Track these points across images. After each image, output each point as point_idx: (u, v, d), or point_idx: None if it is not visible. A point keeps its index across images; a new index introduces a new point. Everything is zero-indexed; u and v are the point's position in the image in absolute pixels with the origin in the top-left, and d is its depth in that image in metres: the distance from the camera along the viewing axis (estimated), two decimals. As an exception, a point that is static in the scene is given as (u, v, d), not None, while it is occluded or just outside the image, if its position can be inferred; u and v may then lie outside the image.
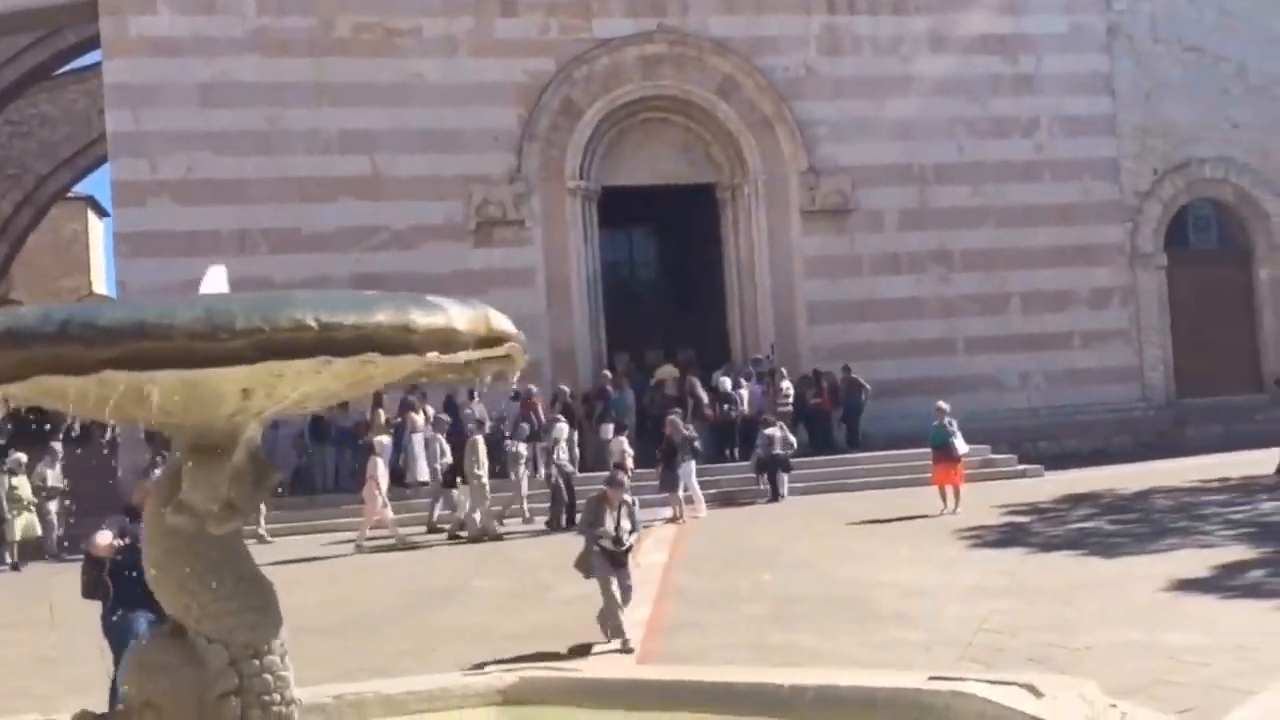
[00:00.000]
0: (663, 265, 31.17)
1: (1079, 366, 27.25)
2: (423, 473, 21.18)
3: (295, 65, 24.31)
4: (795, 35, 26.48)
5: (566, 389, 22.92)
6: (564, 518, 19.21)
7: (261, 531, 19.20)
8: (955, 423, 19.24)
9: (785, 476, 21.77)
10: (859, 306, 26.35)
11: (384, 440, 19.80)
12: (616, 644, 10.29)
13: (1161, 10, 28.17)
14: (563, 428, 20.45)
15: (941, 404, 19.74)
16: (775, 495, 21.58)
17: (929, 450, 21.18)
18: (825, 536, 16.67)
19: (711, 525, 18.84)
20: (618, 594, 10.53)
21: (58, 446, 20.08)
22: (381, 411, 21.64)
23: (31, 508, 19.12)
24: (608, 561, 10.63)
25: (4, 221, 40.00)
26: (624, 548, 10.77)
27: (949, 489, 18.63)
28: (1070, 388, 27.16)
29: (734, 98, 26.21)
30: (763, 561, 14.65)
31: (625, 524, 10.80)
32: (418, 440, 21.33)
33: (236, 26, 24.15)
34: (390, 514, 18.91)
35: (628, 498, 11.01)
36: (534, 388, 22.61)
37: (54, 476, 19.82)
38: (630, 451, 19.84)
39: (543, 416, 21.45)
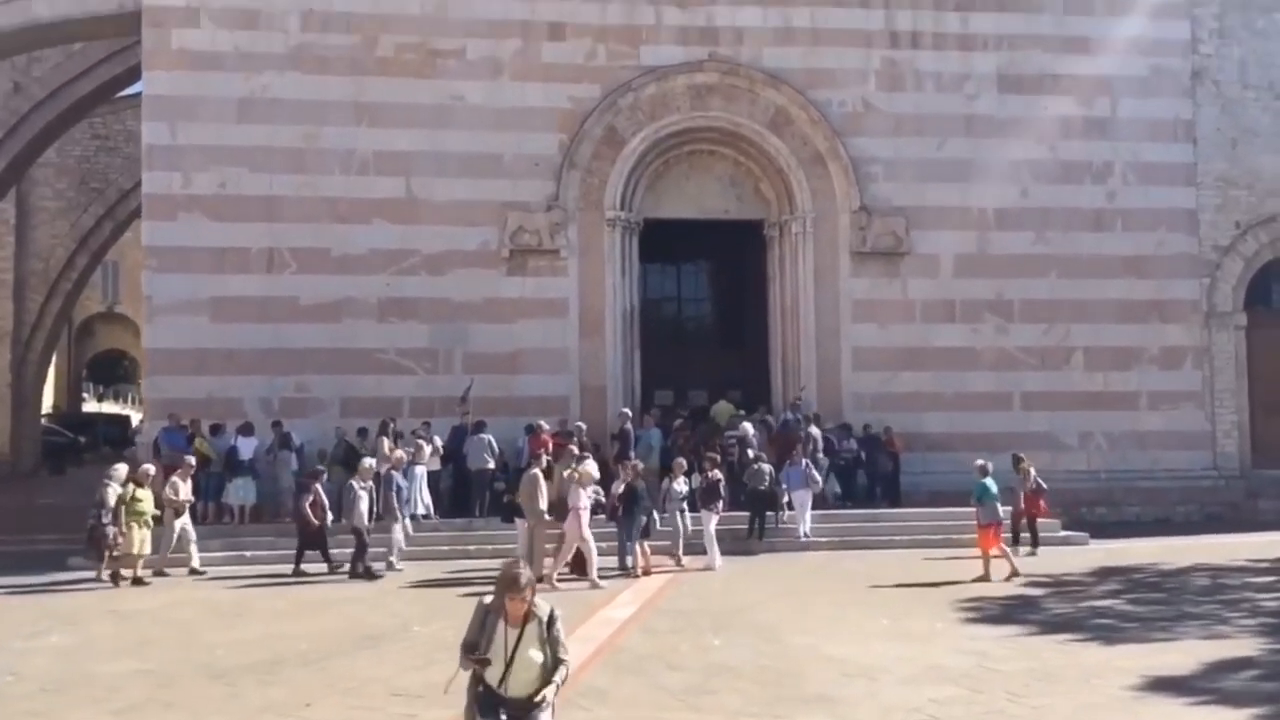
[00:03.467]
0: (711, 302, 30.13)
1: (1145, 429, 25.51)
2: (422, 505, 20.55)
3: (335, 83, 23.93)
4: (854, 69, 25.36)
5: (583, 425, 21.99)
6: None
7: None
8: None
9: (806, 515, 20.75)
10: (908, 354, 25.03)
11: (589, 469, 18.21)
12: None
13: (1252, 55, 26.43)
14: (590, 464, 19.42)
15: (981, 461, 18.57)
16: (761, 534, 20.80)
17: (968, 509, 20.27)
18: (811, 598, 15.49)
19: (705, 578, 17.73)
20: None
21: (191, 459, 19.64)
22: (385, 440, 20.96)
23: (150, 523, 17.95)
24: (488, 712, 6.47)
25: (85, 234, 40.65)
26: (508, 696, 6.43)
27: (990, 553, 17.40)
28: (1134, 451, 25.46)
29: (785, 131, 25.18)
30: (725, 623, 13.55)
31: (533, 654, 6.48)
32: (420, 472, 20.66)
33: (279, 42, 23.87)
34: (593, 547, 17.27)
35: (542, 607, 6.59)
36: (544, 423, 21.84)
37: (186, 490, 18.92)
38: (585, 505, 18.24)
39: (549, 452, 20.54)
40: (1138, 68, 26.09)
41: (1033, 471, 20.44)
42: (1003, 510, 18.32)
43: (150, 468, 18.84)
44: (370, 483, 18.51)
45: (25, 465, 38.91)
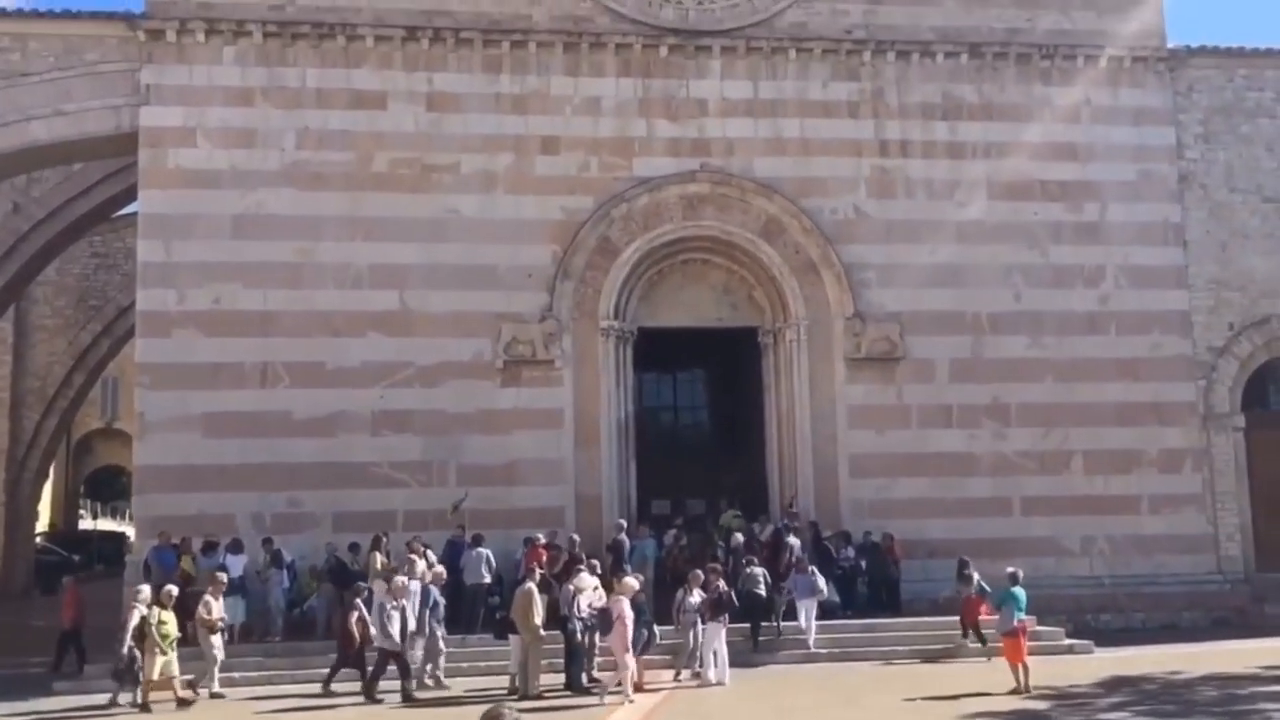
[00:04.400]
0: (707, 410, 30.07)
1: (1147, 533, 25.24)
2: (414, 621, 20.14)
3: (330, 199, 24.12)
4: (845, 177, 25.58)
5: (577, 537, 21.75)
6: (583, 676, 17.93)
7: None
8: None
9: (811, 625, 20.42)
10: (906, 460, 24.85)
11: (632, 583, 18.08)
12: None
13: (1238, 159, 26.73)
14: (587, 577, 19.20)
15: (1012, 569, 18.43)
16: (756, 643, 20.44)
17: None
18: (812, 715, 15.12)
19: (703, 694, 17.37)
20: None
21: (223, 576, 19.31)
22: (378, 554, 20.71)
23: (174, 646, 17.37)
24: None
25: (83, 351, 40.68)
26: None
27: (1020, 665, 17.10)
28: (1137, 556, 25.15)
29: (778, 240, 25.33)
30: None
31: None
32: (414, 588, 20.29)
33: (274, 160, 24.11)
34: (632, 663, 17.14)
35: None
36: (540, 536, 21.62)
37: (219, 608, 18.44)
38: (630, 615, 18.03)
39: (543, 565, 20.26)
40: (1125, 173, 26.34)
41: (976, 576, 20.85)
42: (1019, 619, 17.91)
43: (173, 589, 18.37)
44: (404, 601, 18.16)
45: (18, 585, 38.45)
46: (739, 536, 22.10)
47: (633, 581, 18.23)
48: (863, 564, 23.19)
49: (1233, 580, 25.20)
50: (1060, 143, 26.20)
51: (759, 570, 20.56)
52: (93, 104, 24.19)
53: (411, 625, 19.91)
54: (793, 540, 21.93)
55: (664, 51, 25.31)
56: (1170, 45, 26.94)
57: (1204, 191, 26.51)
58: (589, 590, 18.79)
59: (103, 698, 17.30)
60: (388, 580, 20.11)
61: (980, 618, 20.61)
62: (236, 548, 21.18)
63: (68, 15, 24.50)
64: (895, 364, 25.19)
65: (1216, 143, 26.72)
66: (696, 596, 19.04)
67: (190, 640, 18.24)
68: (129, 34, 24.11)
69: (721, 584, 19.40)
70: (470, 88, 24.79)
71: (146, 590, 18.00)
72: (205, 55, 24.14)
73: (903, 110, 25.91)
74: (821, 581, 21.04)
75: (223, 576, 19.27)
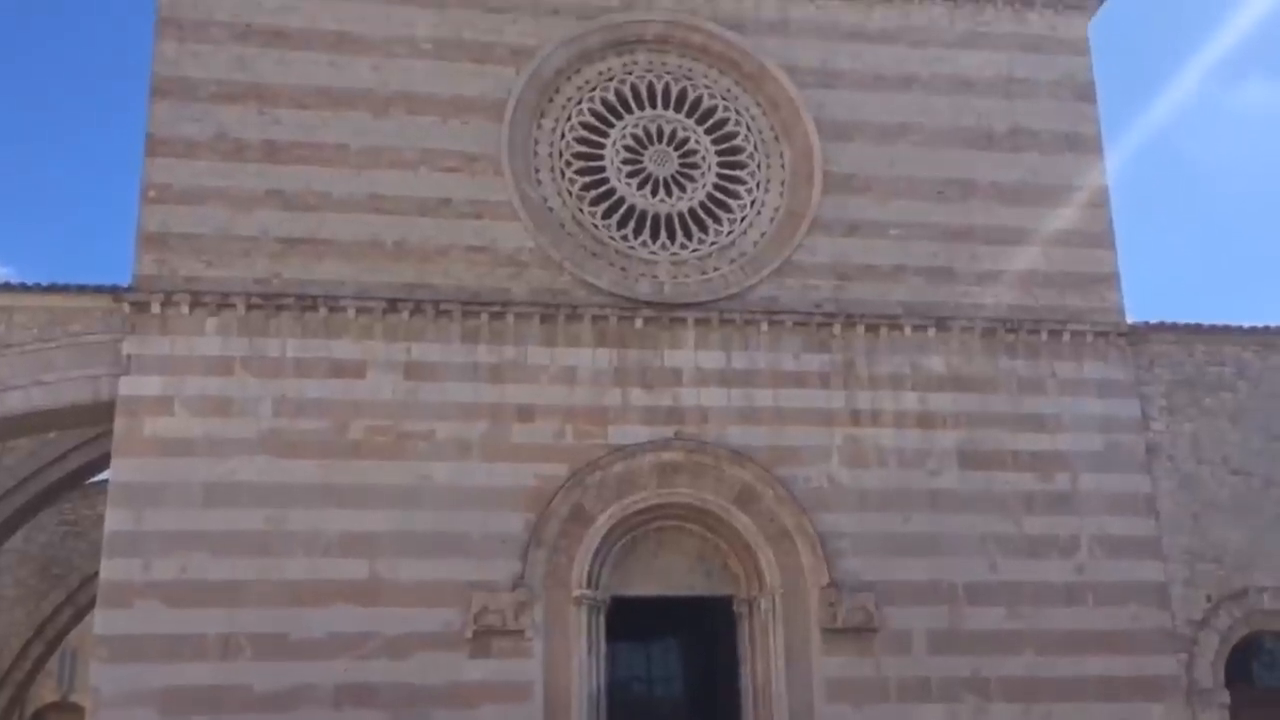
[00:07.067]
0: (681, 682, 29.30)
1: (1142, 817, 24.37)
2: None
3: (303, 467, 24.05)
4: (818, 446, 25.78)
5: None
6: None
7: None
8: None
9: None
10: (887, 737, 24.14)
11: None
12: None
13: (1203, 431, 27.16)
14: None
15: None
16: None
17: None
18: None
19: None
20: None
21: None
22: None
23: None
24: None
25: (42, 622, 39.69)
26: None
27: None
28: (1132, 843, 24.20)
29: (752, 508, 25.30)
30: None
31: None
32: None
33: (250, 428, 24.13)
34: None
35: None
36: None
37: None
38: None
39: None
40: (1093, 443, 26.64)
41: None
42: None
43: None
44: None
45: None
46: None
47: None
48: None
49: None
50: (1027, 414, 26.62)
51: None
52: (73, 373, 24.38)
53: None
54: None
55: (639, 323, 25.91)
56: (1130, 321, 27.77)
57: (1172, 463, 26.81)
58: None
59: None
60: None
61: None
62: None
63: (55, 289, 24.86)
64: (872, 635, 24.75)
65: (1181, 415, 27.21)
66: None
67: None
68: (114, 306, 24.58)
69: None
70: (448, 357, 25.19)
71: None
72: (188, 326, 24.51)
73: (873, 381, 26.37)
74: None
75: None
